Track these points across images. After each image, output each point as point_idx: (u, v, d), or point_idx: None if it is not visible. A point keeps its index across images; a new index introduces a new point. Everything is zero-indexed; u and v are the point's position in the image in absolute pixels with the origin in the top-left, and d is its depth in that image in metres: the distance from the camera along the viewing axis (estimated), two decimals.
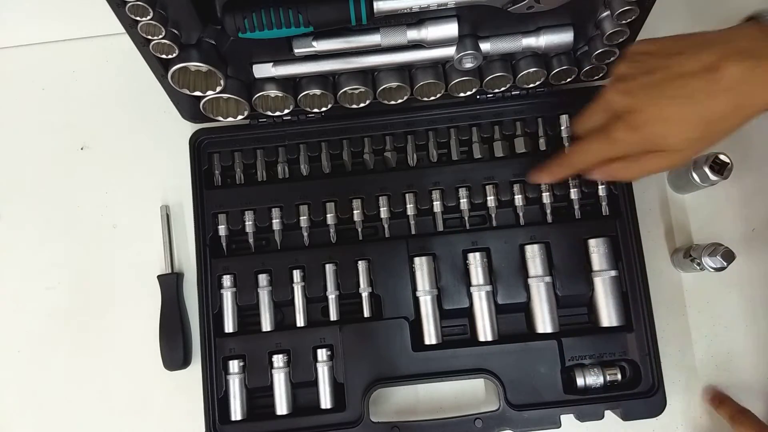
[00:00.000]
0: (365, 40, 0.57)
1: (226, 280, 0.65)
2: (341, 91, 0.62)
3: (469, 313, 0.65)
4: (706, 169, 0.62)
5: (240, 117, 0.64)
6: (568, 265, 0.64)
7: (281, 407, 0.64)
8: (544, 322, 0.64)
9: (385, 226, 0.66)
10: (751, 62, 0.47)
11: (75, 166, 0.72)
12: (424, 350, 0.64)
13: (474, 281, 0.64)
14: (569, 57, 0.64)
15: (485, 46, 0.60)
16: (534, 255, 0.64)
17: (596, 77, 0.66)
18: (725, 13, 0.72)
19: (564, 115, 0.67)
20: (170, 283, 0.68)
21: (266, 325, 0.65)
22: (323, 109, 0.65)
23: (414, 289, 0.64)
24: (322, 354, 0.64)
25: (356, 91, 0.63)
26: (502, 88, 0.66)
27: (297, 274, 0.65)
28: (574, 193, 0.66)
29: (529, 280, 0.64)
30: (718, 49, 0.48)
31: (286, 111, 0.65)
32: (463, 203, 0.66)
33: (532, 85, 0.66)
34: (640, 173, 0.55)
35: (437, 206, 0.66)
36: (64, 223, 0.71)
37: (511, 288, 0.64)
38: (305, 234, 0.67)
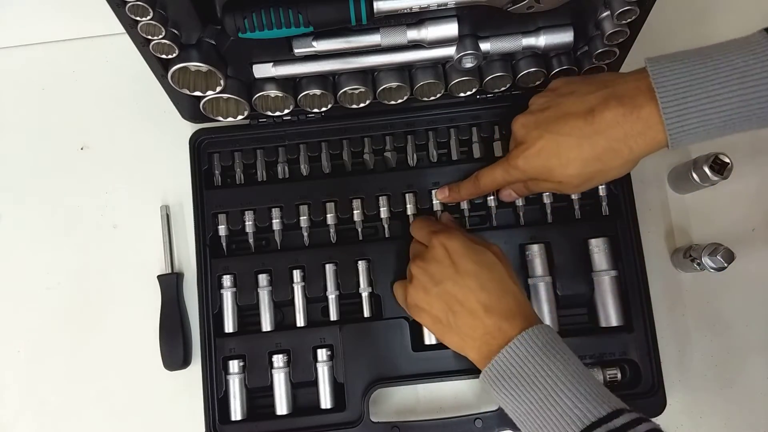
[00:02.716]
0: (365, 40, 0.57)
1: (226, 280, 0.65)
2: (341, 91, 0.62)
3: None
4: (706, 169, 0.62)
5: (240, 117, 0.64)
6: (568, 265, 0.64)
7: (281, 407, 0.64)
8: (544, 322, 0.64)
9: (385, 226, 0.66)
10: (625, 109, 0.50)
11: (75, 166, 0.72)
12: (424, 350, 0.64)
13: None
14: (569, 57, 0.64)
15: (485, 46, 0.60)
16: (534, 255, 0.64)
17: None
18: (725, 13, 0.72)
19: None
20: (170, 283, 0.68)
21: (266, 325, 0.65)
22: (323, 109, 0.65)
23: None
24: (322, 354, 0.64)
25: (356, 91, 0.63)
26: (502, 88, 0.66)
27: (297, 274, 0.65)
28: (574, 194, 0.66)
29: (529, 280, 0.64)
30: (602, 93, 0.52)
31: (286, 111, 0.65)
32: (463, 203, 0.66)
33: (532, 85, 0.66)
34: (538, 191, 0.62)
35: (437, 206, 0.66)
36: (64, 223, 0.71)
37: None
38: (305, 234, 0.67)
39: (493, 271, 0.55)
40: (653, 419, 0.59)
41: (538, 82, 0.65)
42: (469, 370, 0.63)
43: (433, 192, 0.66)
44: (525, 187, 0.61)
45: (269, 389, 0.64)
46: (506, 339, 0.51)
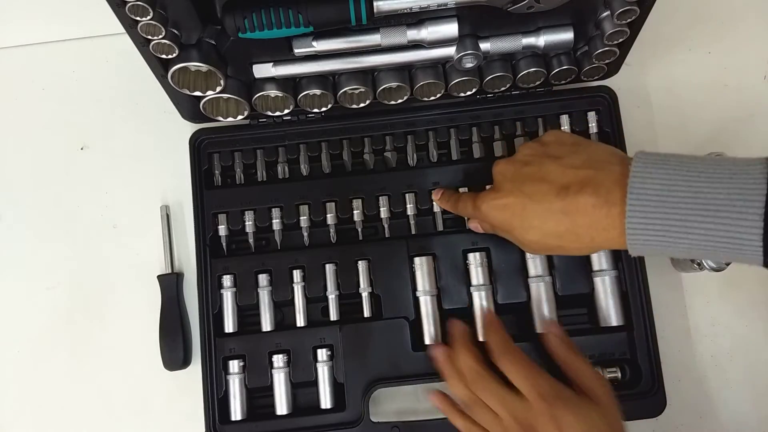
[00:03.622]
0: (365, 40, 0.57)
1: (226, 280, 0.65)
2: (341, 91, 0.62)
3: (469, 313, 0.65)
4: None
5: (240, 117, 0.64)
6: (568, 265, 0.64)
7: (281, 407, 0.64)
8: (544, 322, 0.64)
9: (385, 226, 0.66)
10: (597, 200, 0.48)
11: (75, 166, 0.72)
12: (424, 350, 0.64)
13: (474, 281, 0.64)
14: (569, 57, 0.64)
15: (485, 46, 0.60)
16: (534, 255, 0.64)
17: (596, 77, 0.66)
18: (725, 13, 0.72)
19: (564, 115, 0.67)
20: (170, 283, 0.68)
21: (266, 325, 0.65)
22: (323, 109, 0.65)
23: (414, 289, 0.64)
24: (322, 354, 0.64)
25: (356, 91, 0.63)
26: (502, 88, 0.66)
27: (297, 274, 0.65)
28: None
29: (529, 280, 0.64)
30: (583, 174, 0.50)
31: (286, 111, 0.65)
32: None
33: (532, 85, 0.66)
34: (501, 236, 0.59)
35: (437, 206, 0.66)
36: (64, 223, 0.71)
37: (511, 288, 0.64)
38: (305, 234, 0.67)
39: None
40: (653, 419, 0.59)
41: (538, 82, 0.65)
42: None
43: (433, 192, 0.66)
44: (490, 227, 0.60)
45: (269, 389, 0.64)
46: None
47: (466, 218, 0.65)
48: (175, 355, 0.66)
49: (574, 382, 0.57)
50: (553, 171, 0.52)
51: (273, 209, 0.66)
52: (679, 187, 0.45)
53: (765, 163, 0.43)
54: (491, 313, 0.63)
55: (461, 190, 0.66)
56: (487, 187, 0.61)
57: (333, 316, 0.65)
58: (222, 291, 0.65)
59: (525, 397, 0.54)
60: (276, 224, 0.66)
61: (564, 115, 0.67)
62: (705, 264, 0.61)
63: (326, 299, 0.65)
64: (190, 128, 0.69)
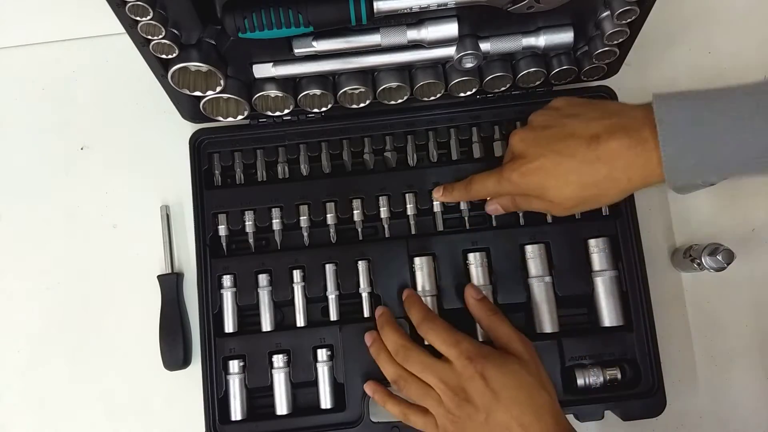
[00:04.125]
0: (365, 40, 0.57)
1: (226, 280, 0.65)
2: (341, 91, 0.62)
3: (469, 312, 0.64)
4: None
5: (240, 117, 0.64)
6: (568, 265, 0.64)
7: (281, 407, 0.64)
8: (544, 322, 0.64)
9: (385, 226, 0.66)
10: (628, 141, 0.50)
11: (75, 166, 0.72)
12: None
13: (474, 281, 0.64)
14: (569, 57, 0.64)
15: (485, 46, 0.60)
16: (534, 255, 0.64)
17: (596, 77, 0.66)
18: (725, 13, 0.72)
19: None
20: (170, 283, 0.68)
21: (266, 325, 0.65)
22: (323, 109, 0.65)
23: (414, 289, 0.64)
24: (322, 354, 0.64)
25: (356, 91, 0.63)
26: (502, 88, 0.66)
27: (297, 274, 0.65)
28: None
29: (529, 280, 0.64)
30: (609, 122, 0.52)
31: (286, 111, 0.65)
32: (463, 203, 0.66)
33: (532, 85, 0.66)
34: (526, 209, 0.61)
35: (437, 206, 0.66)
36: (64, 223, 0.71)
37: (511, 288, 0.64)
38: (305, 234, 0.67)
39: (527, 391, 0.54)
40: (653, 419, 0.59)
41: (538, 82, 0.65)
42: None
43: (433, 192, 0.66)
44: (513, 203, 0.61)
45: (269, 389, 0.64)
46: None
47: (481, 203, 0.65)
48: (175, 355, 0.66)
49: (496, 343, 0.59)
50: (578, 126, 0.54)
51: (273, 209, 0.66)
52: (704, 109, 0.48)
53: None
54: (408, 289, 0.64)
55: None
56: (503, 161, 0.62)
57: (333, 316, 0.65)
58: (222, 291, 0.65)
59: (452, 363, 0.56)
60: (276, 224, 0.66)
61: None
62: (705, 264, 0.61)
63: (326, 299, 0.65)
64: (190, 128, 0.69)
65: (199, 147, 0.68)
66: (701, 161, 0.48)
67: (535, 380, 0.55)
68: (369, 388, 0.62)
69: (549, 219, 0.66)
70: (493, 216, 0.66)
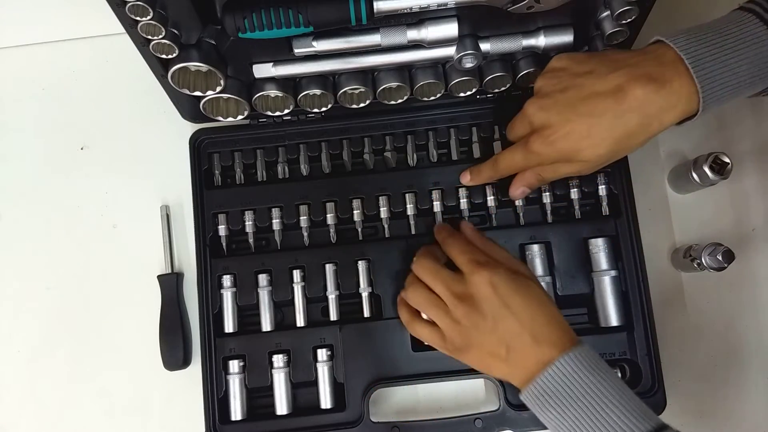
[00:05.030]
0: (365, 40, 0.57)
1: (226, 280, 0.65)
2: (341, 91, 0.62)
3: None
4: (706, 169, 0.62)
5: (240, 117, 0.64)
6: (568, 265, 0.64)
7: (281, 407, 0.64)
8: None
9: (385, 226, 0.66)
10: (654, 85, 0.51)
11: (75, 166, 0.72)
12: (424, 350, 0.64)
13: None
14: None
15: (485, 46, 0.60)
16: (534, 255, 0.65)
17: None
18: (725, 13, 0.72)
19: None
20: (170, 283, 0.68)
21: (266, 325, 0.65)
22: (323, 109, 0.65)
23: None
24: (322, 354, 0.64)
25: (356, 91, 0.63)
26: (502, 88, 0.66)
27: (297, 274, 0.65)
28: (574, 193, 0.66)
29: None
30: (626, 72, 0.52)
31: (286, 111, 0.65)
32: (463, 203, 0.66)
33: (532, 85, 0.66)
34: (552, 178, 0.60)
35: (437, 206, 0.66)
36: (64, 223, 0.71)
37: None
38: (305, 234, 0.67)
39: (537, 300, 0.54)
40: None
41: None
42: (469, 370, 0.63)
43: (434, 193, 0.66)
44: (537, 178, 0.60)
45: (269, 389, 0.64)
46: (552, 360, 0.51)
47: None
48: (175, 355, 0.66)
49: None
50: (596, 83, 0.53)
51: (273, 209, 0.66)
52: (712, 38, 0.50)
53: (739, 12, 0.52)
54: (438, 222, 0.66)
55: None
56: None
57: (333, 316, 0.65)
58: (222, 291, 0.65)
59: (463, 274, 0.56)
60: (276, 224, 0.66)
61: None
62: (705, 264, 0.61)
63: (326, 299, 0.65)
64: (190, 128, 0.69)
65: (199, 147, 0.68)
66: (727, 82, 0.50)
67: (544, 294, 0.55)
68: (399, 305, 0.63)
69: (549, 219, 0.66)
70: (493, 216, 0.66)
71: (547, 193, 0.66)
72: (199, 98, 0.60)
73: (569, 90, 0.54)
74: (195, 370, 0.65)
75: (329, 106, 0.64)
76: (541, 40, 0.60)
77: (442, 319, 0.56)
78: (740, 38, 0.51)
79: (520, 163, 0.59)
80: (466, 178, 0.65)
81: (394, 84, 0.62)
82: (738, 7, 0.54)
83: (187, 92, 0.59)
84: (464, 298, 0.55)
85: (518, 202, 0.66)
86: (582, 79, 0.54)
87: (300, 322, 0.65)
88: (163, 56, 0.55)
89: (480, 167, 0.64)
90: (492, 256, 0.58)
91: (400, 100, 0.65)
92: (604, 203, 0.66)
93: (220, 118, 0.64)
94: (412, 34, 0.57)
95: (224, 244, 0.67)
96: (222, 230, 0.66)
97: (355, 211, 0.66)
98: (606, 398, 0.49)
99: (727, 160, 0.62)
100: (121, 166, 0.72)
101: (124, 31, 0.52)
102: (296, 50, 0.57)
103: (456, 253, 0.58)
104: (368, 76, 0.63)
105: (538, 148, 0.56)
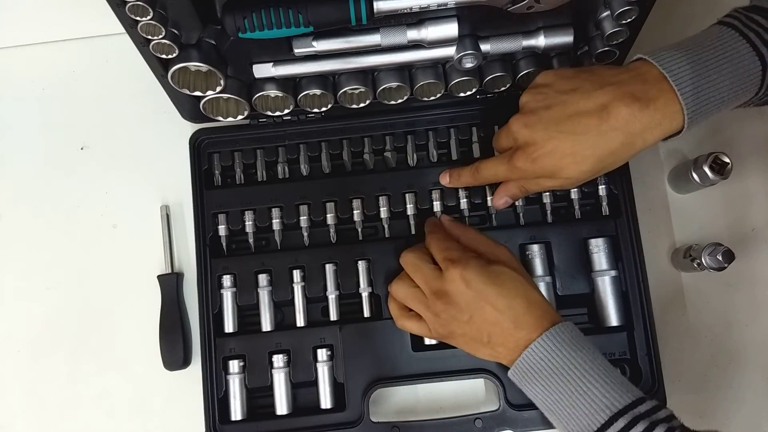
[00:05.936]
0: (365, 40, 0.57)
1: (226, 280, 0.65)
2: (341, 91, 0.62)
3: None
4: (706, 169, 0.62)
5: (240, 117, 0.64)
6: (568, 265, 0.64)
7: (281, 407, 0.64)
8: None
9: (385, 226, 0.66)
10: (639, 104, 0.51)
11: (75, 166, 0.72)
12: (424, 350, 0.64)
13: None
14: (569, 57, 0.64)
15: (485, 46, 0.60)
16: (534, 255, 0.65)
17: None
18: (724, 13, 0.72)
19: None
20: (170, 283, 0.68)
21: (266, 325, 0.65)
22: (323, 109, 0.65)
23: None
24: (322, 354, 0.64)
25: (356, 91, 0.63)
26: (502, 88, 0.66)
27: (297, 274, 0.65)
28: (574, 193, 0.66)
29: None
30: (610, 90, 0.52)
31: (286, 111, 0.65)
32: (463, 203, 0.66)
33: None
34: (536, 191, 0.61)
35: (437, 206, 0.66)
36: (64, 223, 0.71)
37: None
38: (305, 234, 0.67)
39: (512, 287, 0.55)
40: None
41: None
42: (469, 370, 0.63)
43: (434, 193, 0.66)
44: (521, 189, 0.61)
45: (269, 389, 0.64)
46: (533, 340, 0.53)
47: (487, 198, 0.66)
48: (175, 355, 0.66)
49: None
50: (580, 101, 0.53)
51: (273, 209, 0.66)
52: (693, 55, 0.51)
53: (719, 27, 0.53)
54: (429, 217, 0.66)
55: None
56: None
57: (333, 316, 0.65)
58: (222, 291, 0.65)
59: (441, 269, 0.58)
60: (276, 224, 0.66)
61: None
62: (705, 264, 0.61)
63: (326, 299, 0.65)
64: (190, 128, 0.69)
65: (199, 147, 0.68)
66: (708, 99, 0.51)
67: (521, 278, 0.56)
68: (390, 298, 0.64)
69: (549, 219, 0.66)
70: (493, 216, 0.66)
71: (547, 193, 0.66)
72: (199, 98, 0.60)
73: (554, 107, 0.54)
74: (195, 370, 0.65)
75: (329, 106, 0.64)
76: (541, 40, 0.60)
77: (424, 312, 0.58)
78: (721, 53, 0.51)
79: (503, 175, 0.60)
80: (445, 180, 0.65)
81: (394, 84, 0.62)
82: (717, 21, 0.54)
83: (187, 92, 0.59)
84: (441, 294, 0.57)
85: (518, 202, 0.66)
86: (567, 96, 0.54)
87: (300, 322, 0.65)
88: (163, 56, 0.55)
89: (460, 171, 0.64)
90: (470, 246, 0.60)
91: (400, 100, 0.65)
92: (604, 203, 0.66)
93: (220, 118, 0.64)
94: (412, 34, 0.57)
95: (224, 244, 0.67)
96: (222, 230, 0.66)
97: (355, 211, 0.66)
98: (587, 372, 0.51)
99: (727, 160, 0.62)
100: (121, 166, 0.72)
101: (124, 31, 0.52)
102: (296, 50, 0.57)
103: (434, 250, 0.60)
104: (368, 76, 0.63)
105: (522, 164, 0.56)
